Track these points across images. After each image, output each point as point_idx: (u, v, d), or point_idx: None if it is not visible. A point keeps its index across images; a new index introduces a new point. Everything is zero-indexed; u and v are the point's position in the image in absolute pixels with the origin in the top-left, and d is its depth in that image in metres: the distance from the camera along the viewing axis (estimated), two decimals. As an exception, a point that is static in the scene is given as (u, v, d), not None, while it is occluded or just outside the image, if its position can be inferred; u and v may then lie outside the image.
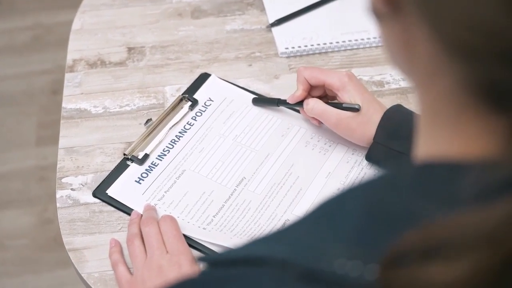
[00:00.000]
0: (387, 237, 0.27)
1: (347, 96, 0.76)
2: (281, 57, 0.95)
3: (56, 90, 1.90)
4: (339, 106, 0.77)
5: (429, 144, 0.32)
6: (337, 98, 0.78)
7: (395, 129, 0.73)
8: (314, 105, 0.78)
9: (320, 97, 0.80)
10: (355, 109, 0.75)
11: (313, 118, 0.81)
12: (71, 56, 0.96)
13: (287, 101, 0.81)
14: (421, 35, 0.29)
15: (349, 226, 0.29)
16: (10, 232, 1.65)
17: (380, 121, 0.74)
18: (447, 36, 0.27)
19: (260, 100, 0.87)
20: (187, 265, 0.66)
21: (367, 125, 0.75)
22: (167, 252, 0.68)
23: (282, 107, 0.85)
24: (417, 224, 0.26)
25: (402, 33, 0.31)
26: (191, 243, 0.72)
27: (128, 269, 0.70)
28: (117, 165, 0.81)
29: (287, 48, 0.95)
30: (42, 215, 1.67)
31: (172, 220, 0.72)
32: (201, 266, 0.33)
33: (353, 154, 0.80)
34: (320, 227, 0.31)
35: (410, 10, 0.29)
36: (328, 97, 0.81)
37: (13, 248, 1.62)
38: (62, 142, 0.84)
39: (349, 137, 0.78)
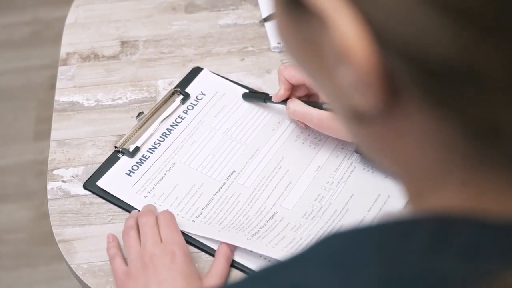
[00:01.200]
0: None
1: None
2: (273, 51, 0.95)
3: (55, 85, 1.90)
4: (319, 105, 0.76)
5: (430, 197, 0.29)
6: (319, 97, 0.78)
7: None
8: (295, 108, 0.77)
9: (306, 96, 0.80)
10: None
11: (299, 120, 0.80)
12: (64, 49, 0.96)
13: (272, 100, 0.81)
14: (426, 125, 0.26)
15: (361, 284, 0.27)
16: (7, 226, 1.66)
17: None
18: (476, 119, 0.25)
19: (250, 96, 0.87)
20: (180, 255, 0.66)
21: None
22: (161, 241, 0.68)
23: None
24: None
25: (394, 131, 0.28)
26: (180, 235, 0.72)
27: (125, 261, 0.70)
28: (108, 157, 0.81)
29: (279, 43, 0.95)
30: (39, 209, 1.67)
31: (170, 213, 0.73)
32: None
33: (343, 148, 0.80)
34: (327, 276, 0.28)
35: (415, 98, 0.26)
36: (315, 96, 0.81)
37: (10, 242, 1.63)
38: (54, 134, 0.85)
39: (334, 136, 0.78)
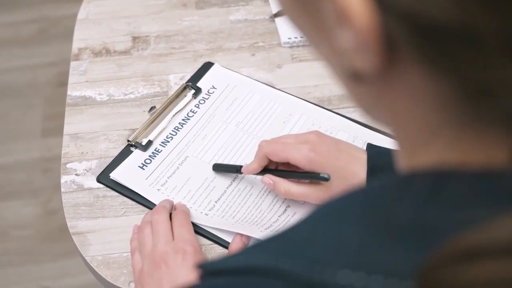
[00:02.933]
0: (393, 248, 0.27)
1: (317, 171, 0.70)
2: (284, 47, 0.96)
3: (61, 83, 1.92)
4: (306, 176, 0.71)
5: (422, 154, 0.30)
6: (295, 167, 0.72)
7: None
8: (290, 189, 0.71)
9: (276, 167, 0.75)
10: (324, 179, 0.69)
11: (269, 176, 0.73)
12: (76, 45, 0.97)
13: (242, 171, 0.75)
14: (421, 84, 0.28)
15: (350, 236, 0.29)
16: (14, 223, 1.66)
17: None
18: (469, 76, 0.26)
19: (221, 167, 0.79)
20: (191, 253, 0.66)
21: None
22: (173, 239, 0.68)
23: None
24: (431, 235, 0.26)
25: (390, 89, 0.29)
26: (194, 228, 0.72)
27: None
28: (121, 151, 0.82)
29: (290, 38, 0.96)
30: (47, 206, 1.68)
31: (183, 211, 0.73)
32: (199, 273, 0.32)
33: (353, 141, 0.81)
34: (321, 235, 0.30)
35: (411, 59, 0.27)
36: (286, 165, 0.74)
37: (17, 238, 1.63)
38: (67, 128, 0.85)
39: None
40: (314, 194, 0.71)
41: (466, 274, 0.24)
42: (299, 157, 0.70)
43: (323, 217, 0.32)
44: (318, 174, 0.69)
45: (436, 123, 0.29)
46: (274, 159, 0.73)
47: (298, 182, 0.72)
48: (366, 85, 0.30)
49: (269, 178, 0.73)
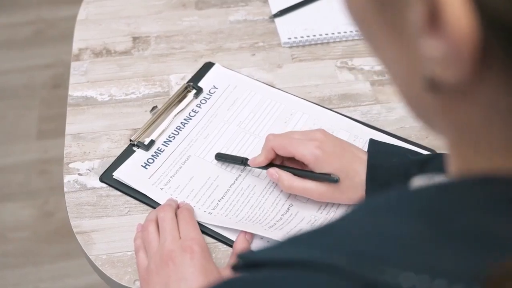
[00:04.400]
0: (458, 252, 0.26)
1: (322, 168, 0.71)
2: (283, 47, 0.96)
3: (57, 84, 1.92)
4: (316, 176, 0.72)
5: (485, 161, 0.29)
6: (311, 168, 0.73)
7: (385, 181, 0.68)
8: (293, 184, 0.73)
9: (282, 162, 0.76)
10: (334, 181, 0.70)
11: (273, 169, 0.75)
12: (76, 45, 0.97)
13: (248, 163, 0.77)
14: (506, 98, 0.26)
15: (408, 235, 0.28)
16: (11, 225, 1.66)
17: (367, 184, 0.70)
18: None
19: (224, 157, 0.80)
20: (199, 251, 0.66)
21: (350, 189, 0.71)
22: (180, 238, 0.68)
23: None
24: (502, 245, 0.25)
25: (466, 100, 0.28)
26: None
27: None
28: (124, 150, 0.82)
29: (289, 38, 0.97)
30: (43, 208, 1.68)
31: (188, 209, 0.73)
32: (237, 263, 0.30)
33: (354, 140, 0.82)
34: (374, 231, 0.29)
35: (500, 72, 0.25)
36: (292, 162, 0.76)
37: (15, 240, 1.63)
38: (69, 128, 0.86)
39: (336, 202, 0.74)
40: (317, 191, 0.72)
41: None
42: (306, 153, 0.71)
43: (373, 213, 0.30)
44: (329, 175, 0.70)
45: (509, 135, 0.28)
46: (281, 153, 0.74)
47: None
48: (438, 95, 0.28)
49: (275, 170, 0.74)
